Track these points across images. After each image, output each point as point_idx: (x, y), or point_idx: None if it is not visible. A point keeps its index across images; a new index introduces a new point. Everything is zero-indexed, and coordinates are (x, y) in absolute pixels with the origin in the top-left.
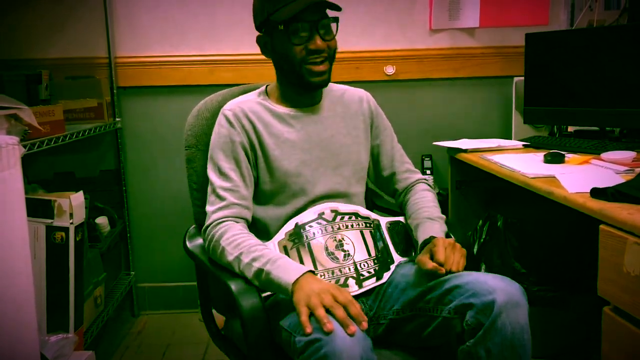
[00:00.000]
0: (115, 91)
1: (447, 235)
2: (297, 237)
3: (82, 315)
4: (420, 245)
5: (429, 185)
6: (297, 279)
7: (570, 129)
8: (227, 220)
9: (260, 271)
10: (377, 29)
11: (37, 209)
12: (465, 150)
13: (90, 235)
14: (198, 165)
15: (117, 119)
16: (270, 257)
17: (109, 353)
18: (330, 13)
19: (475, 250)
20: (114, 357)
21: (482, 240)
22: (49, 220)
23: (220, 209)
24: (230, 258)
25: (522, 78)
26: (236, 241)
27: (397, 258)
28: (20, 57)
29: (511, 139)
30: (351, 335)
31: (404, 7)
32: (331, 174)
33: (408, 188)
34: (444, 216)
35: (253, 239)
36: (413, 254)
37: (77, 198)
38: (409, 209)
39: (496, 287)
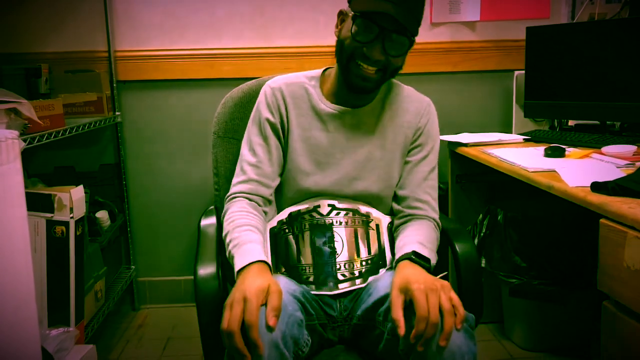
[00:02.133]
0: (115, 85)
1: (434, 268)
2: (289, 226)
3: (82, 309)
4: (396, 259)
5: (438, 225)
6: (242, 268)
7: (571, 122)
8: (239, 196)
9: (230, 253)
10: None
11: (37, 203)
12: (465, 144)
13: (91, 229)
14: (218, 151)
15: (117, 113)
16: (240, 240)
17: (109, 347)
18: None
19: (475, 244)
20: (114, 351)
21: (482, 234)
22: (49, 215)
23: (240, 182)
24: (223, 233)
25: (523, 72)
26: (231, 218)
27: (389, 260)
28: (19, 50)
29: (512, 133)
30: (270, 329)
31: None
32: (345, 183)
33: (414, 217)
34: (437, 257)
35: (244, 219)
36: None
37: (78, 192)
38: (404, 232)
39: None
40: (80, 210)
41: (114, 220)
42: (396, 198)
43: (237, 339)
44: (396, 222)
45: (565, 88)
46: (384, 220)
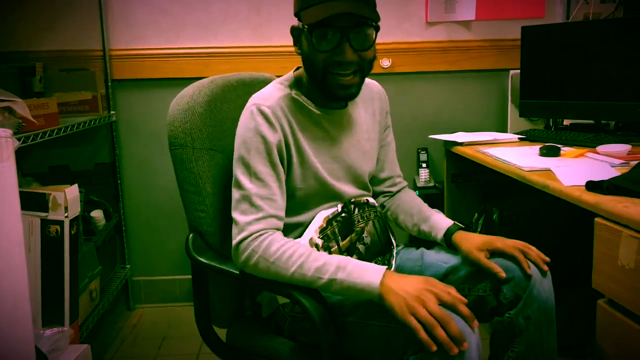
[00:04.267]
0: (110, 84)
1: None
2: (327, 234)
3: (77, 308)
4: (446, 231)
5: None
6: (381, 280)
7: (566, 122)
8: (266, 233)
9: (331, 281)
10: None
11: (31, 202)
12: (461, 144)
13: (86, 228)
14: (197, 167)
15: (111, 112)
16: (336, 264)
17: (104, 346)
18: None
19: None
20: (109, 350)
21: (477, 233)
22: (44, 214)
23: (257, 220)
24: (288, 273)
25: (518, 71)
26: (287, 253)
27: (394, 243)
28: (14, 49)
29: (507, 132)
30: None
31: (401, 0)
32: (354, 182)
33: (397, 190)
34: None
35: (302, 246)
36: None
37: (72, 191)
38: (403, 204)
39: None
40: (75, 210)
41: (108, 220)
42: (377, 180)
43: (450, 326)
44: (381, 199)
45: (560, 87)
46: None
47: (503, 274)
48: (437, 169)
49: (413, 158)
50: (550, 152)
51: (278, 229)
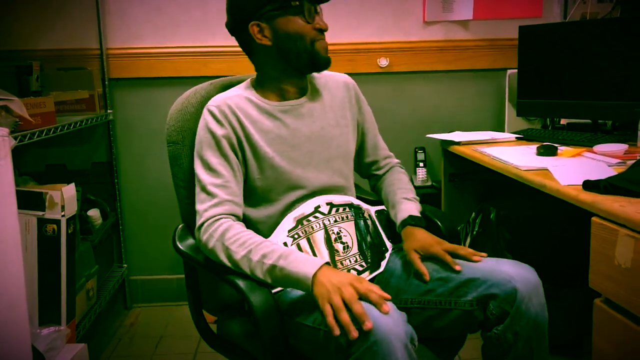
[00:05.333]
0: (106, 83)
1: (422, 214)
2: (298, 232)
3: (74, 308)
4: (399, 225)
5: (402, 168)
6: (315, 272)
7: (563, 121)
8: (222, 218)
9: (273, 267)
10: (371, 21)
11: (28, 201)
12: (458, 143)
13: (82, 227)
14: (185, 163)
15: (108, 111)
16: (281, 252)
17: (101, 346)
18: None
19: (468, 243)
20: (106, 349)
21: (474, 232)
22: (41, 213)
23: (212, 206)
24: (237, 257)
25: (515, 71)
26: (240, 239)
27: (389, 245)
28: (11, 48)
29: (504, 132)
30: (386, 313)
31: None
32: (323, 168)
33: (386, 171)
34: (418, 197)
35: (257, 237)
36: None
37: (69, 190)
38: (384, 188)
39: (513, 274)
40: (71, 209)
41: (105, 219)
42: (364, 166)
43: (354, 306)
44: (372, 183)
45: (557, 87)
46: (372, 209)
47: (427, 278)
48: (434, 168)
49: (410, 157)
50: (547, 151)
51: (234, 214)
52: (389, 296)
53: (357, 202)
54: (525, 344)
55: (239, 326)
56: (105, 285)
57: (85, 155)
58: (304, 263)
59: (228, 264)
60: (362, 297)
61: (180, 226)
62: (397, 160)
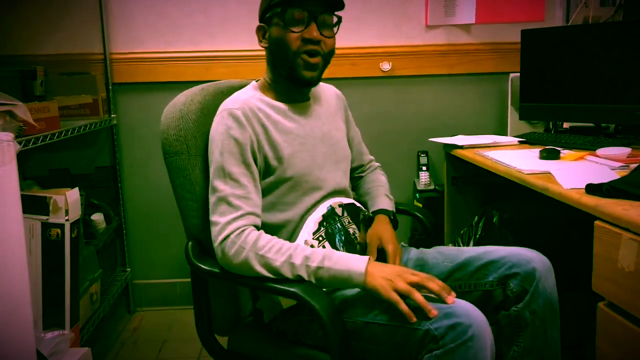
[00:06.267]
0: (110, 87)
1: (394, 215)
2: (321, 234)
3: (78, 312)
4: (371, 211)
5: (382, 170)
6: (366, 268)
7: (566, 125)
8: (247, 229)
9: (318, 269)
10: (373, 25)
11: (32, 205)
12: (461, 147)
13: (86, 231)
14: (193, 174)
15: (112, 115)
16: (323, 253)
17: (105, 350)
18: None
19: (471, 246)
20: (110, 353)
21: (477, 236)
22: (45, 217)
23: (236, 219)
24: (276, 264)
25: (518, 74)
26: (275, 246)
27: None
28: (15, 53)
29: (507, 135)
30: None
31: (400, 3)
32: (334, 169)
33: (368, 173)
34: (392, 198)
35: (289, 242)
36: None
37: (73, 194)
38: (366, 184)
39: (531, 256)
40: (75, 213)
41: (109, 223)
42: (351, 170)
43: (414, 295)
44: (353, 183)
45: (560, 90)
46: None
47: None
48: (437, 172)
49: (413, 161)
50: (550, 155)
51: (257, 226)
52: (433, 277)
53: (357, 203)
54: (541, 322)
55: (256, 341)
56: (109, 289)
57: (88, 160)
58: (350, 260)
59: (266, 273)
60: (418, 287)
61: (189, 243)
62: (377, 164)
